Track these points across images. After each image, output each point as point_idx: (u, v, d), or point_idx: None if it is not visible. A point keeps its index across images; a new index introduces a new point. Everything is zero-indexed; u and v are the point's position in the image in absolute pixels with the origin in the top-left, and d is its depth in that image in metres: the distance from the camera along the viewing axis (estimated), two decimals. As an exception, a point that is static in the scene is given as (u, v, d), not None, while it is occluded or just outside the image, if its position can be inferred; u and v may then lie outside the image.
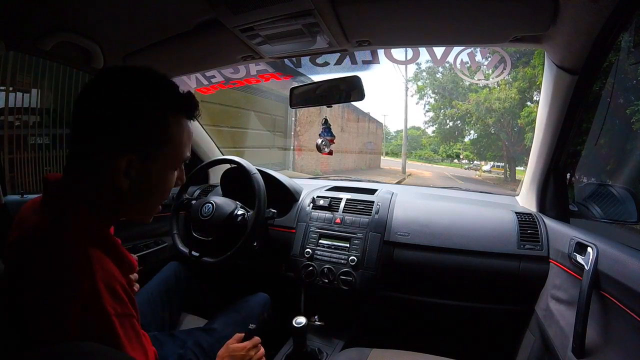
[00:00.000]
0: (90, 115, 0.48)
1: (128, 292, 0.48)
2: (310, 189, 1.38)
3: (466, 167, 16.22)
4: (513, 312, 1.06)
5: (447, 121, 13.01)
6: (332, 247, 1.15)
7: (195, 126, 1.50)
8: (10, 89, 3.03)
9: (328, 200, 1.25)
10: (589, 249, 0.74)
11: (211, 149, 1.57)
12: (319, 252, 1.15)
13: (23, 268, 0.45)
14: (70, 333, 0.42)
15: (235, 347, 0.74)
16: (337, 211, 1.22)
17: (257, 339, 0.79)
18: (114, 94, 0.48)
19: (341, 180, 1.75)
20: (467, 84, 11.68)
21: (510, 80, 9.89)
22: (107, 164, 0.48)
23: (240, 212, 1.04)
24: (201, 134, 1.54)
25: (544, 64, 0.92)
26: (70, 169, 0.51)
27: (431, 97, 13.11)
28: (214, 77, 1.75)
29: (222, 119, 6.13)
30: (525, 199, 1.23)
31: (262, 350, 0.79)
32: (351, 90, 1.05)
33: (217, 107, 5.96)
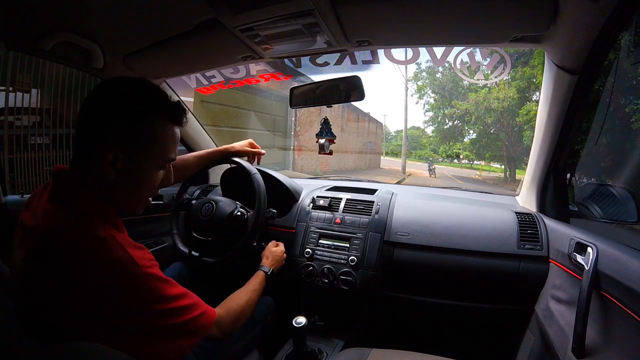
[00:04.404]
0: (90, 113, 0.56)
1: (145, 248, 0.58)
2: (310, 189, 1.38)
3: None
4: (513, 312, 1.06)
5: (447, 121, 13.04)
6: (332, 247, 1.15)
7: (193, 124, 1.50)
8: (10, 89, 3.03)
9: (328, 200, 1.25)
10: (589, 249, 0.74)
11: (209, 147, 1.56)
12: (319, 252, 1.15)
13: (48, 258, 0.50)
14: (118, 302, 0.50)
15: (274, 250, 1.05)
16: (337, 211, 1.22)
17: (282, 244, 1.11)
18: (111, 98, 0.57)
19: (341, 180, 1.74)
20: (467, 83, 11.70)
21: (509, 80, 9.91)
22: (98, 155, 0.55)
23: (240, 212, 1.04)
24: (200, 133, 1.54)
25: (543, 64, 0.92)
26: (74, 161, 0.59)
27: (431, 97, 13.13)
28: (214, 77, 1.75)
29: (222, 119, 6.13)
30: (525, 199, 1.23)
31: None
32: (351, 90, 1.05)
33: (217, 107, 5.96)
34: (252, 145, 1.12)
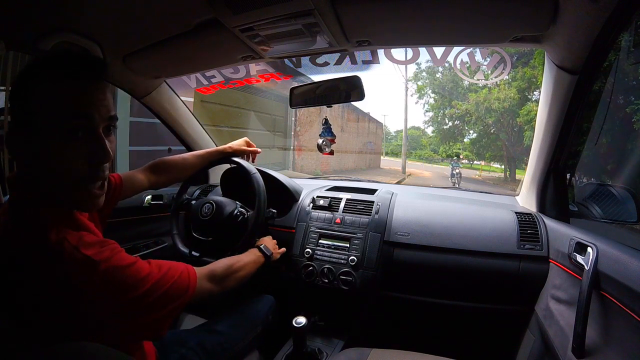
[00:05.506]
0: None
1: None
2: (310, 189, 1.38)
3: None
4: (513, 312, 1.06)
5: (447, 121, 13.04)
6: (332, 247, 1.15)
7: (193, 124, 1.50)
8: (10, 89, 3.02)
9: (328, 200, 1.25)
10: (589, 249, 0.74)
11: (209, 147, 1.56)
12: (318, 252, 1.15)
13: (11, 267, 0.48)
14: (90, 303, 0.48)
15: (273, 243, 1.07)
16: (337, 211, 1.22)
17: (283, 249, 1.11)
18: None
19: (341, 180, 1.74)
20: (467, 84, 11.71)
21: (510, 80, 9.92)
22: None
23: (240, 212, 1.04)
24: (200, 133, 1.54)
25: (543, 64, 0.92)
26: None
27: (431, 97, 13.14)
28: (214, 77, 1.76)
29: (222, 119, 6.12)
30: (525, 199, 1.23)
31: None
32: (351, 90, 1.05)
33: (217, 107, 5.95)
34: (248, 144, 1.14)
